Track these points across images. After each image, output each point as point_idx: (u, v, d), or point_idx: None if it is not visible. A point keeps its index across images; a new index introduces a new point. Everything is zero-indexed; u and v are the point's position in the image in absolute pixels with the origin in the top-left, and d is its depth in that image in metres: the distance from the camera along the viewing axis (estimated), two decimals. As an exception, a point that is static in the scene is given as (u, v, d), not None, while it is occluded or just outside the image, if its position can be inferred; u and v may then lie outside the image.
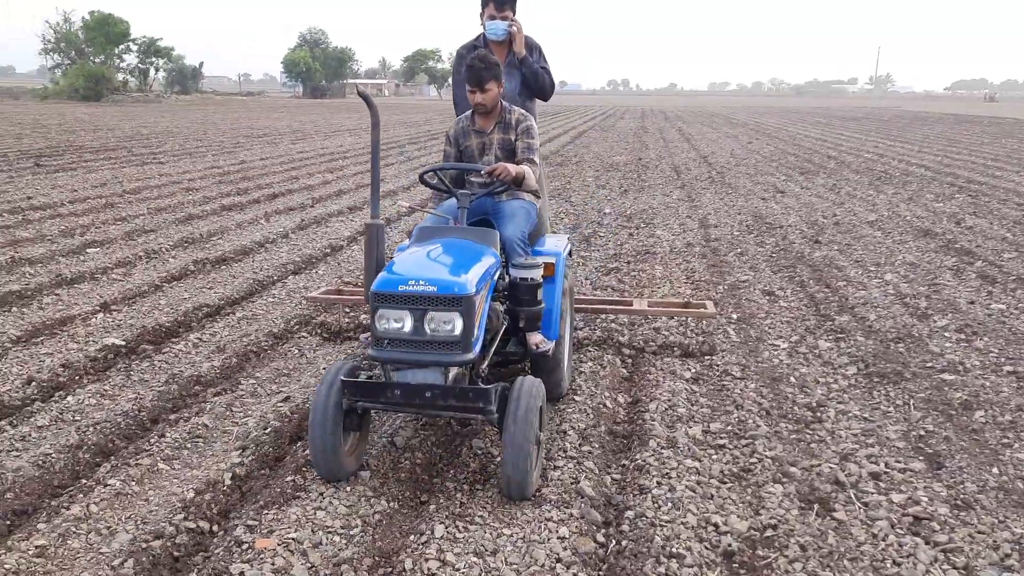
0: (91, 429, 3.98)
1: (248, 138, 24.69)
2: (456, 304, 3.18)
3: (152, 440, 3.97)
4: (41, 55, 67.13)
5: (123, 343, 5.30)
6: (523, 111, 4.37)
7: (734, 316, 6.22)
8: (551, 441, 3.90)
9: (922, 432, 4.11)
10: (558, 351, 4.14)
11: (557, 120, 39.75)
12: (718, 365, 5.11)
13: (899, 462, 3.77)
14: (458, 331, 3.19)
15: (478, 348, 3.30)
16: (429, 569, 2.86)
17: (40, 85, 65.09)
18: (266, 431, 4.01)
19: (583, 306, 5.52)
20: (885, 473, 3.66)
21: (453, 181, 4.31)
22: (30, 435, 3.98)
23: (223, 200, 11.67)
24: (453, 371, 3.28)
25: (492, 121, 4.32)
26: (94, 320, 5.87)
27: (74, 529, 3.16)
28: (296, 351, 5.37)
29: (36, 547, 3.02)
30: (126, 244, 8.54)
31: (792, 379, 4.91)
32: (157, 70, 76.87)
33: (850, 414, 4.37)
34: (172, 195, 12.04)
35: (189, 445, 3.95)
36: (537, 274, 3.86)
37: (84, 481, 3.59)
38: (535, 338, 3.99)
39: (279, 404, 4.39)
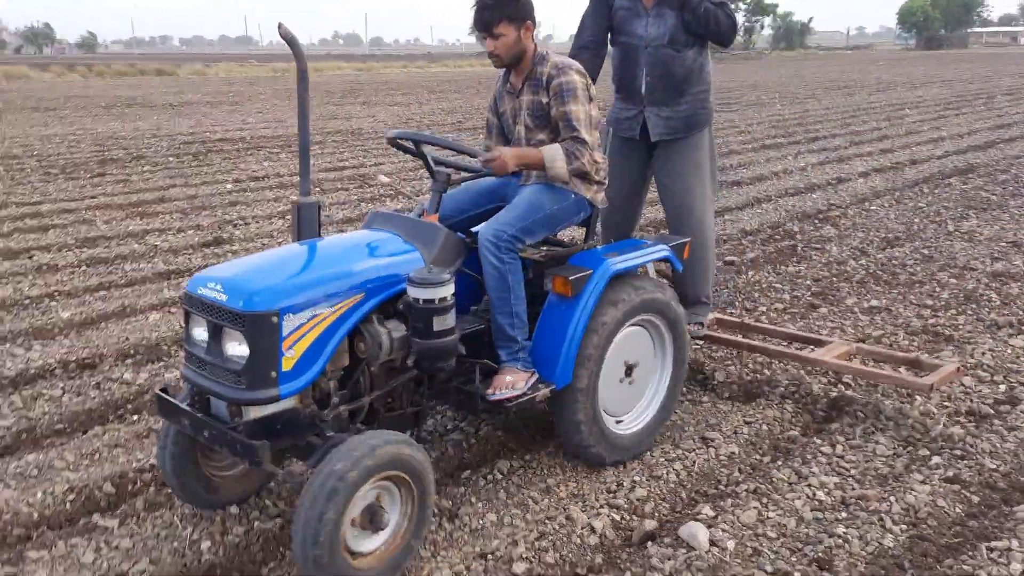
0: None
1: (826, 90, 25.68)
2: (239, 322, 2.45)
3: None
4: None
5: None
6: (563, 60, 3.22)
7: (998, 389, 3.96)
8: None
9: None
10: (571, 401, 3.08)
11: None
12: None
13: None
14: (243, 358, 2.47)
15: (290, 387, 2.52)
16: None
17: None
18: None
19: (721, 335, 4.20)
20: None
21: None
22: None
23: (765, 140, 13.42)
24: (250, 411, 2.54)
25: (521, 77, 3.28)
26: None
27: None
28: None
29: None
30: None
31: None
32: (762, 27, 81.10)
33: None
34: (725, 134, 14.24)
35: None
36: (436, 293, 2.66)
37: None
38: (500, 379, 2.98)
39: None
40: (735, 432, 3.61)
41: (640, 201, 4.41)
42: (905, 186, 9.39)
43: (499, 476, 3.29)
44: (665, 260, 3.48)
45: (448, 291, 2.69)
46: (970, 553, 2.72)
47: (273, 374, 2.47)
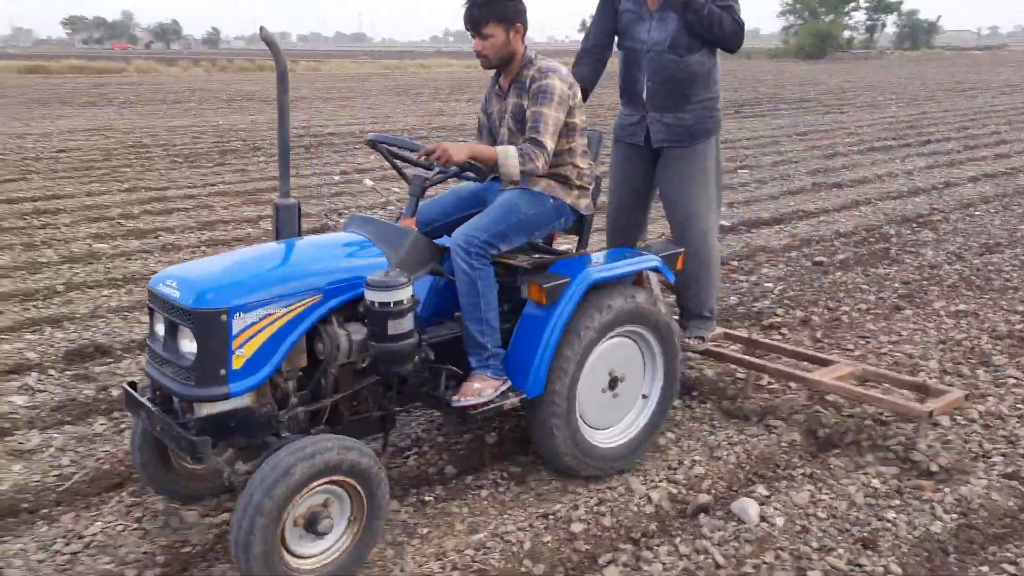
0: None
1: (948, 92, 24.66)
2: (189, 319, 2.53)
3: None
4: (780, 17, 74.76)
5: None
6: (549, 64, 3.17)
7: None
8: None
9: None
10: (545, 410, 3.06)
11: None
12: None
13: None
14: (191, 355, 2.54)
15: (240, 386, 2.57)
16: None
17: (773, 45, 72.95)
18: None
19: (724, 351, 4.14)
20: None
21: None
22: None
23: (874, 143, 13.12)
24: (202, 408, 2.62)
25: (509, 79, 3.28)
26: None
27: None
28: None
29: None
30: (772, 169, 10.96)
31: None
32: (883, 26, 77.93)
33: None
34: (832, 136, 13.98)
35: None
36: (392, 296, 2.67)
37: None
38: (468, 385, 3.00)
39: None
40: (798, 421, 3.75)
41: (644, 208, 4.23)
42: (1016, 192, 9.08)
43: (567, 449, 3.55)
44: (654, 270, 3.42)
45: (404, 295, 2.68)
46: (1016, 543, 2.81)
47: (223, 372, 2.51)
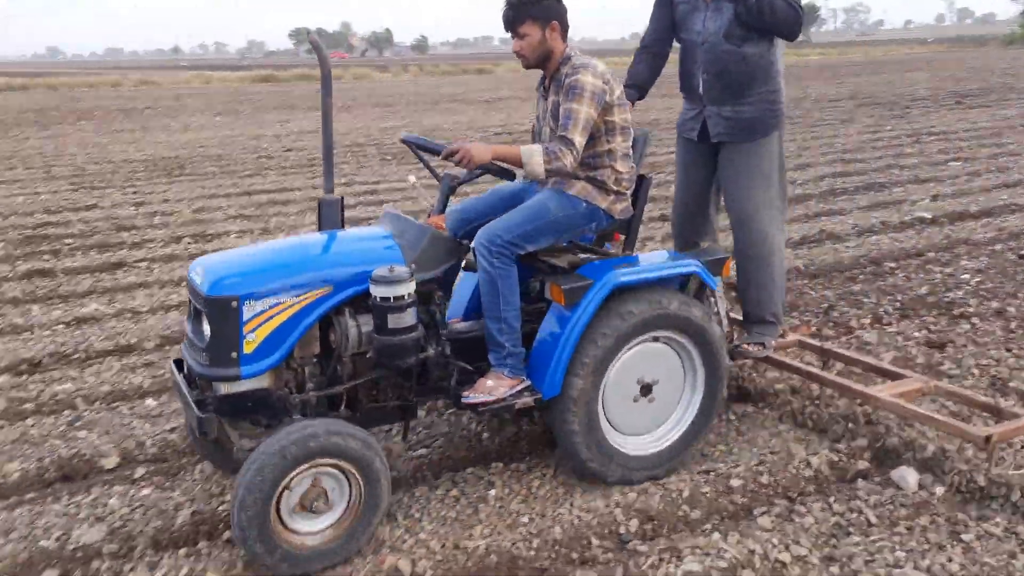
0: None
1: None
2: (204, 304, 2.76)
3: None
4: (1016, 1, 67.94)
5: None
6: (583, 61, 3.13)
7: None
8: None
9: None
10: (563, 413, 3.05)
11: None
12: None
13: None
14: (206, 337, 2.76)
15: (252, 368, 2.75)
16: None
17: (1009, 31, 66.36)
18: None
19: (780, 359, 3.88)
20: None
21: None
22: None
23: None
24: (220, 387, 2.81)
25: (549, 78, 3.28)
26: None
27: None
28: None
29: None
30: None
31: None
32: None
33: None
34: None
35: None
36: (393, 291, 2.77)
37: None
38: (482, 382, 3.06)
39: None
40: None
41: (707, 206, 4.06)
42: None
43: (733, 417, 3.77)
44: (691, 276, 3.29)
45: (405, 290, 2.77)
46: None
47: (234, 355, 2.72)
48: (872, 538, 2.83)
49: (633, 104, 3.69)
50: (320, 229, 3.16)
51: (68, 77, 42.52)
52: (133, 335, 5.07)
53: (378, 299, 2.78)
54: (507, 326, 3.04)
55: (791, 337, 4.16)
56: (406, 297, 2.79)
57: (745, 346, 3.82)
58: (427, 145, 3.25)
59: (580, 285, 3.01)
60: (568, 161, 3.00)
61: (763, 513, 3.00)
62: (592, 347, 3.00)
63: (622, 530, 2.93)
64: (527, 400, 3.04)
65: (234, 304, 2.71)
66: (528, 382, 3.08)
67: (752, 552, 2.76)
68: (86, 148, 14.51)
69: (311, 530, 2.71)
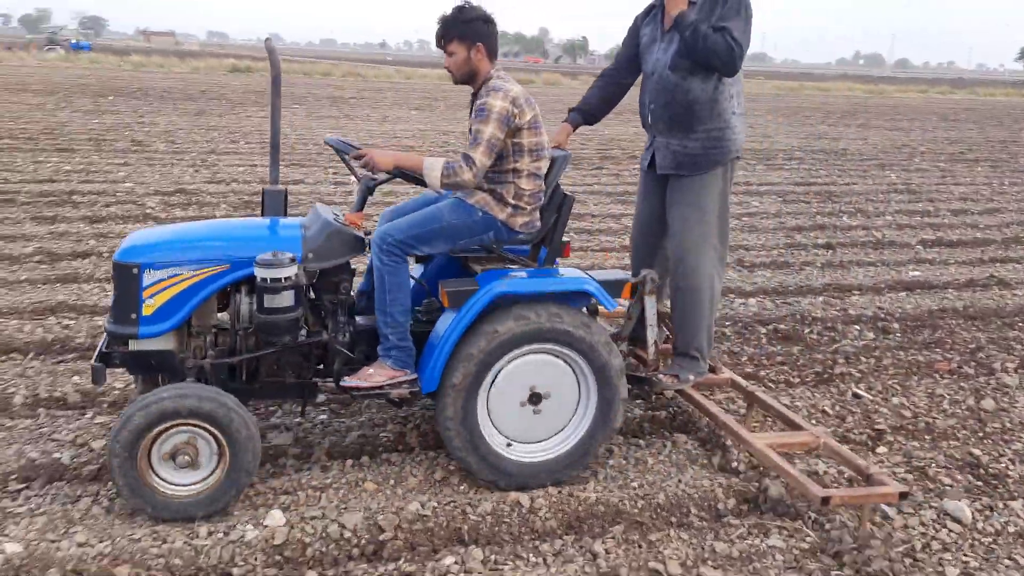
0: None
1: None
2: (113, 268, 3.17)
3: None
4: None
5: None
6: (497, 84, 3.29)
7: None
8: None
9: None
10: (442, 406, 3.24)
11: None
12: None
13: None
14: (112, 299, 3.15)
15: (149, 330, 3.08)
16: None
17: None
18: None
19: (692, 394, 3.91)
20: None
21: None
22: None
23: None
24: (129, 344, 3.13)
25: (472, 96, 3.47)
26: None
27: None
28: None
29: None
30: None
31: None
32: None
33: None
34: None
35: None
36: (270, 274, 3.03)
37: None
38: (364, 370, 3.29)
39: None
40: None
41: (661, 234, 4.05)
42: None
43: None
44: (583, 294, 3.35)
45: (281, 274, 3.03)
46: None
47: (134, 316, 3.06)
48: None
49: (575, 128, 4.06)
50: (263, 216, 3.48)
51: (286, 64, 46.48)
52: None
53: (259, 280, 3.06)
54: (392, 319, 3.27)
55: (725, 374, 4.18)
56: (283, 280, 3.05)
57: (661, 376, 3.85)
58: (343, 147, 3.41)
59: (465, 289, 3.23)
60: (466, 177, 3.23)
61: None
62: (473, 349, 3.17)
63: (720, 505, 3.32)
64: (401, 391, 3.27)
65: (135, 271, 3.07)
66: (413, 375, 3.30)
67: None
68: (296, 129, 16.13)
69: (181, 482, 3.00)
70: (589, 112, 4.13)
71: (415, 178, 3.32)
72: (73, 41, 54.70)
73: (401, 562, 2.88)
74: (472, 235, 3.40)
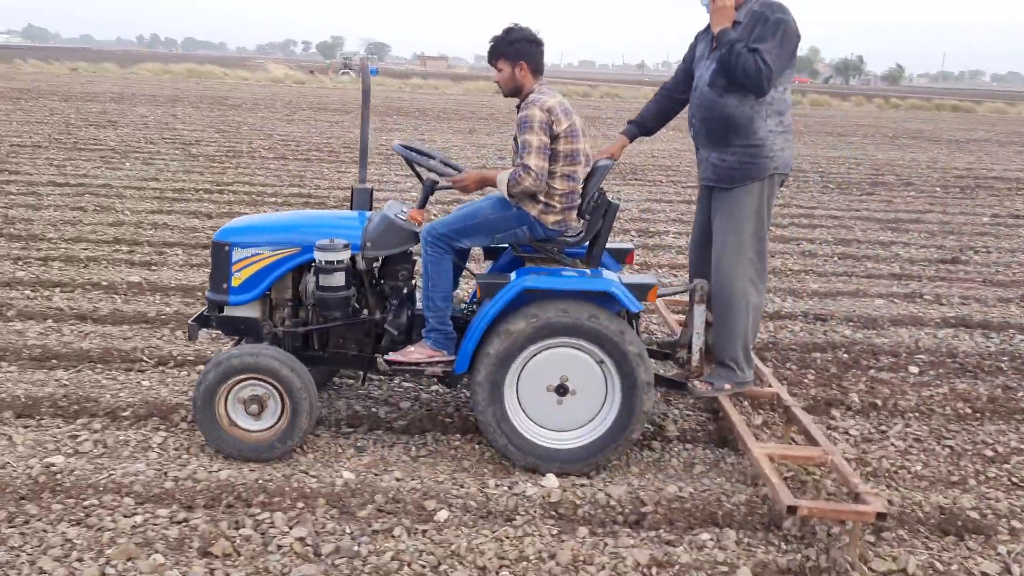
0: None
1: None
2: (211, 246, 3.83)
3: None
4: None
5: None
6: (536, 96, 3.63)
7: None
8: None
9: None
10: (474, 389, 3.57)
11: None
12: None
13: None
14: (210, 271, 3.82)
15: (237, 299, 3.73)
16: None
17: None
18: None
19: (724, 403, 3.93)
20: None
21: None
22: None
23: None
24: (224, 311, 3.80)
25: (517, 109, 3.74)
26: None
27: None
28: None
29: None
30: None
31: None
32: None
33: None
34: None
35: None
36: (324, 257, 3.59)
37: None
38: (408, 348, 3.73)
39: None
40: None
41: (711, 245, 4.11)
42: None
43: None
44: (607, 295, 3.50)
45: (333, 258, 3.58)
46: None
47: (225, 286, 3.74)
48: None
49: (631, 139, 4.27)
50: (352, 209, 4.08)
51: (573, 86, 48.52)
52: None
53: (316, 261, 3.64)
54: (434, 304, 3.67)
55: (772, 388, 4.19)
56: (335, 263, 3.60)
57: (696, 382, 3.98)
58: (444, 168, 3.84)
59: (496, 282, 3.57)
60: (528, 183, 3.58)
61: None
62: (499, 338, 3.50)
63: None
64: (434, 370, 3.70)
65: (227, 249, 3.74)
66: (451, 357, 3.67)
67: None
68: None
69: (251, 428, 3.56)
70: (644, 126, 4.35)
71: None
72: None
73: (661, 531, 3.26)
74: (507, 229, 3.75)
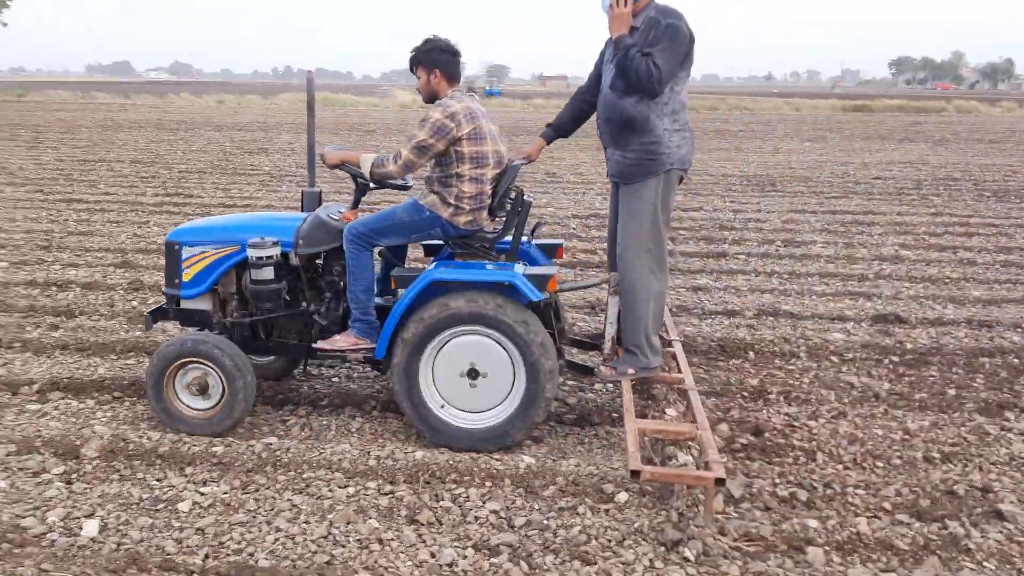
0: None
1: None
2: (164, 245, 4.26)
3: None
4: None
5: None
6: (444, 101, 3.94)
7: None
8: None
9: None
10: (393, 371, 3.91)
11: None
12: None
13: None
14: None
15: (188, 293, 4.15)
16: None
17: None
18: None
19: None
20: None
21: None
22: None
23: None
24: (180, 304, 4.22)
25: None
26: None
27: None
28: None
29: None
30: None
31: None
32: None
33: None
34: None
35: None
36: (254, 253, 3.95)
37: None
38: (335, 336, 4.06)
39: None
40: None
41: None
42: None
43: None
44: (507, 285, 3.75)
45: (262, 254, 3.94)
46: None
47: (178, 281, 4.17)
48: None
49: (548, 142, 4.48)
50: (302, 212, 4.38)
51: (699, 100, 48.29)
52: (735, 305, 6.57)
53: (249, 257, 4.00)
54: (356, 297, 4.00)
55: (678, 375, 4.35)
56: (264, 259, 3.96)
57: (602, 367, 4.25)
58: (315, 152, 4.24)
59: (409, 275, 3.89)
60: (390, 168, 3.95)
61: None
62: (413, 326, 3.82)
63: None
64: (356, 356, 4.04)
65: (177, 248, 4.18)
66: (372, 344, 3.98)
67: None
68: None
69: (202, 407, 4.00)
70: (561, 128, 4.55)
71: (358, 171, 4.07)
72: (487, 88, 62.31)
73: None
74: (421, 230, 4.06)
